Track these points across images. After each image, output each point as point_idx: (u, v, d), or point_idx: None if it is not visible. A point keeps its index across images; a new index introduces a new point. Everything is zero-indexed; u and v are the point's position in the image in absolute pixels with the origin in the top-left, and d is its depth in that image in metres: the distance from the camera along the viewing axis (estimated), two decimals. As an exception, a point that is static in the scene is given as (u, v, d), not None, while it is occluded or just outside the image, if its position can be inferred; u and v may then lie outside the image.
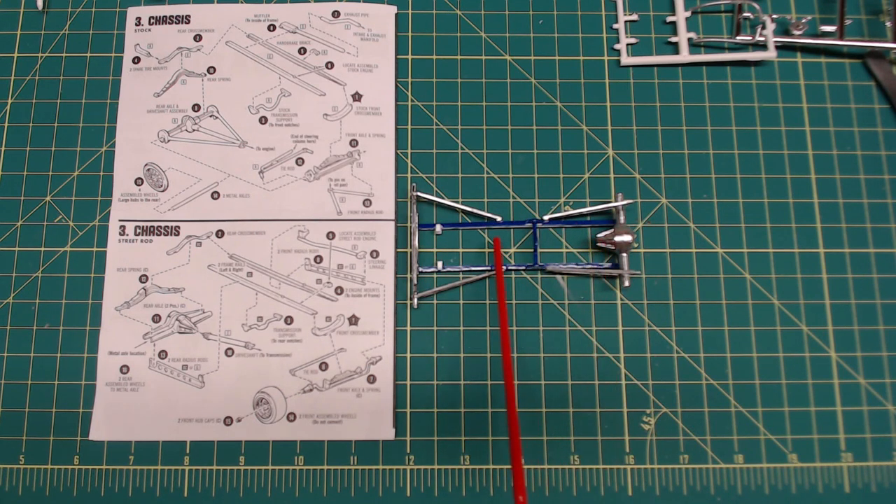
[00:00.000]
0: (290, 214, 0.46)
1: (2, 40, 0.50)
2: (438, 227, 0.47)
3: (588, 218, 0.47)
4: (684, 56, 0.49)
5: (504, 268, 0.46)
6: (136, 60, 0.49)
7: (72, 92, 0.49)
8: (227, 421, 0.44)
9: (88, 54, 0.49)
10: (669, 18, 0.50)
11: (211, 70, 0.49)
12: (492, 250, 0.47)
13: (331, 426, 0.44)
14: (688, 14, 0.50)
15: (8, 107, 0.49)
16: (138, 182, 0.47)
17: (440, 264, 0.46)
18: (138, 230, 0.46)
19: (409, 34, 0.50)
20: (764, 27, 0.48)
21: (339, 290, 0.45)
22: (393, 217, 0.47)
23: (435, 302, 0.46)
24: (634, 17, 0.50)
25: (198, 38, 0.49)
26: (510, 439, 0.37)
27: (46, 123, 0.48)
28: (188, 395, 0.44)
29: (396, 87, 0.49)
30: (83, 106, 0.48)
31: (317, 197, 0.47)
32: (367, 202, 0.47)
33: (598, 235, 0.46)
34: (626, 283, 0.45)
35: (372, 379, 0.44)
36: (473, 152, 0.48)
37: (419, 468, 0.43)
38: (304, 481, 0.43)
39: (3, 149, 0.48)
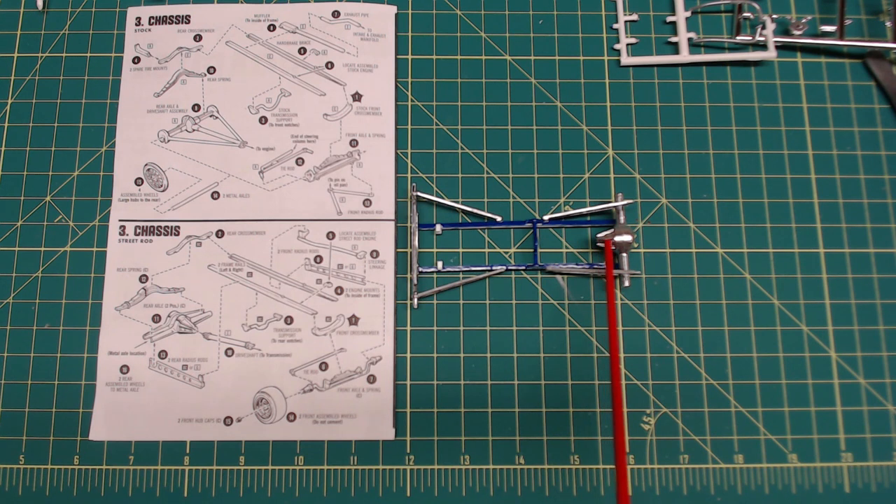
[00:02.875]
0: (290, 214, 0.46)
1: (2, 40, 0.50)
2: (438, 227, 0.47)
3: (588, 218, 0.47)
4: (684, 56, 0.49)
5: (504, 268, 0.46)
6: (136, 60, 0.49)
7: (72, 92, 0.49)
8: (227, 421, 0.44)
9: (88, 54, 0.49)
10: (669, 18, 0.50)
11: (211, 70, 0.49)
12: (492, 250, 0.47)
13: (331, 426, 0.44)
14: (688, 14, 0.50)
15: (8, 107, 0.49)
16: (138, 182, 0.47)
17: (440, 264, 0.46)
18: (138, 230, 0.46)
19: (409, 34, 0.50)
20: (764, 27, 0.48)
21: (339, 290, 0.45)
22: (393, 217, 0.47)
23: (435, 302, 0.46)
24: (634, 17, 0.50)
25: (198, 38, 0.49)
26: (616, 447, 0.36)
27: (46, 123, 0.48)
28: (188, 395, 0.44)
29: (396, 87, 0.49)
30: (83, 106, 0.48)
31: (317, 197, 0.47)
32: (367, 202, 0.47)
33: (598, 235, 0.46)
34: (626, 283, 0.45)
35: (372, 379, 0.44)
36: (473, 152, 0.48)
37: (419, 468, 0.43)
38: (304, 481, 0.43)
39: (3, 149, 0.48)
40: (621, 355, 0.45)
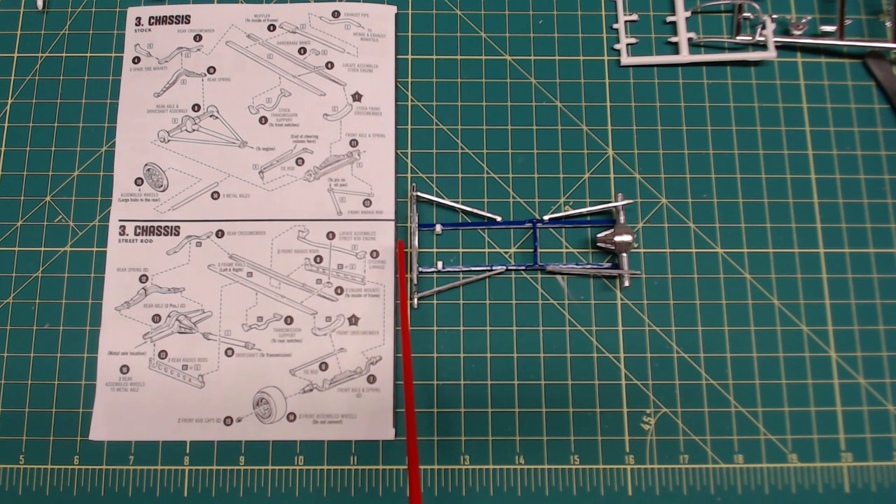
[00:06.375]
0: (290, 214, 0.46)
1: (2, 40, 0.50)
2: (438, 227, 0.47)
3: (588, 218, 0.47)
4: (684, 56, 0.49)
5: (504, 268, 0.46)
6: (136, 60, 0.49)
7: (72, 92, 0.49)
8: (227, 421, 0.44)
9: (88, 54, 0.49)
10: (669, 18, 0.50)
11: (211, 70, 0.49)
12: (492, 250, 0.47)
13: (331, 426, 0.44)
14: (688, 14, 0.50)
15: (8, 107, 0.49)
16: (138, 182, 0.47)
17: (440, 264, 0.46)
18: (138, 230, 0.46)
19: (409, 34, 0.50)
20: (764, 27, 0.48)
21: (339, 290, 0.45)
22: (393, 217, 0.47)
23: (435, 302, 0.46)
24: (634, 17, 0.50)
25: (198, 38, 0.49)
26: (408, 442, 0.38)
27: (46, 123, 0.48)
28: (188, 395, 0.44)
29: (396, 87, 0.49)
30: (83, 106, 0.48)
31: (317, 197, 0.47)
32: (367, 202, 0.47)
33: (598, 235, 0.46)
34: (626, 283, 0.45)
35: (372, 379, 0.44)
36: (473, 152, 0.48)
37: (419, 468, 0.43)
38: (304, 481, 0.43)
39: (3, 149, 0.48)
40: (621, 355, 0.45)
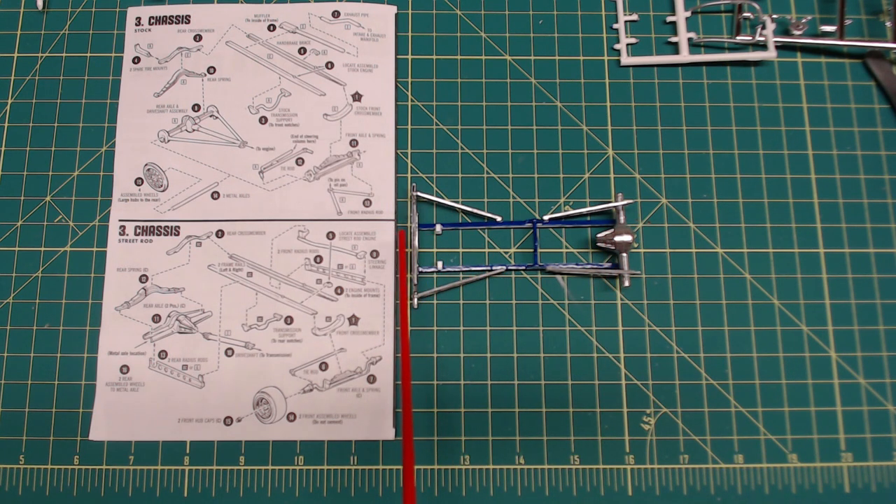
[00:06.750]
0: (290, 214, 0.46)
1: (2, 40, 0.50)
2: (438, 227, 0.47)
3: (588, 218, 0.47)
4: (684, 56, 0.49)
5: (504, 268, 0.46)
6: (136, 60, 0.49)
7: (72, 92, 0.49)
8: (227, 421, 0.44)
9: (88, 54, 0.49)
10: (669, 18, 0.50)
11: (211, 70, 0.49)
12: (492, 250, 0.47)
13: (331, 426, 0.44)
14: (688, 14, 0.50)
15: (8, 107, 0.49)
16: (138, 182, 0.47)
17: (440, 264, 0.46)
18: (138, 230, 0.46)
19: (409, 34, 0.50)
20: (764, 27, 0.48)
21: (339, 290, 0.45)
22: (393, 217, 0.47)
23: (435, 302, 0.46)
24: (634, 17, 0.50)
25: (198, 38, 0.49)
26: (404, 443, 0.38)
27: (46, 123, 0.48)
28: (188, 395, 0.44)
29: (396, 87, 0.49)
30: (83, 106, 0.48)
31: (317, 197, 0.47)
32: (367, 202, 0.47)
33: (598, 235, 0.46)
34: (626, 283, 0.45)
35: (372, 379, 0.44)
36: (473, 152, 0.48)
37: (419, 468, 0.43)
38: (304, 481, 0.43)
39: (3, 149, 0.48)
40: (621, 355, 0.45)
